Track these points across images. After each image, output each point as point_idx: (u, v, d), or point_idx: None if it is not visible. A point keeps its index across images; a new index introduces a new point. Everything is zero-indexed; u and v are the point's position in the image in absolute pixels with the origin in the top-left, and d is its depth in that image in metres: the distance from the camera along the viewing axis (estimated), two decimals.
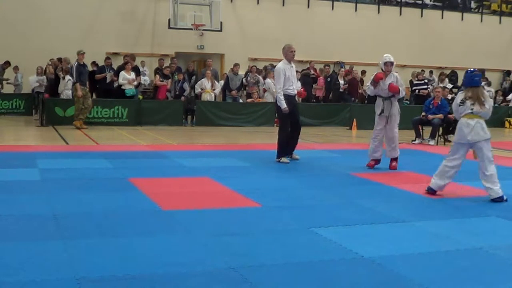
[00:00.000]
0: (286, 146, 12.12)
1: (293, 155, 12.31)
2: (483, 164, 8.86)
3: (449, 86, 24.86)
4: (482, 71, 27.43)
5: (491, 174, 8.79)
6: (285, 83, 11.84)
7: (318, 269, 5.37)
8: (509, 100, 26.32)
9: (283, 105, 11.78)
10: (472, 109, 8.71)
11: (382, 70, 11.37)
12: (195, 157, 12.50)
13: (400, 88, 11.34)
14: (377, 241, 6.40)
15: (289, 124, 12.15)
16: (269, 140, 13.90)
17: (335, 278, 5.17)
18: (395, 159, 11.70)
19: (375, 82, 11.34)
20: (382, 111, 11.45)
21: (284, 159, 11.96)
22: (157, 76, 20.90)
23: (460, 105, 8.85)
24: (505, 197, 8.74)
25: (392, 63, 11.36)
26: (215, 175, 10.20)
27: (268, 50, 23.10)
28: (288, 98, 11.91)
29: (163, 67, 21.27)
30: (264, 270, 5.26)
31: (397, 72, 11.60)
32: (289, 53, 11.99)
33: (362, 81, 24.07)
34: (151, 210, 7.57)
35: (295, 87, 12.23)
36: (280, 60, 12.14)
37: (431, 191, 9.06)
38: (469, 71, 8.96)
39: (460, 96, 8.98)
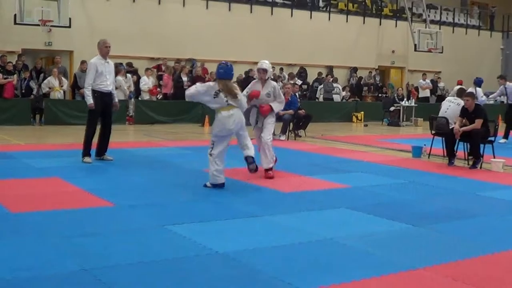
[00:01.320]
0: (91, 145, 11.63)
1: (105, 156, 11.83)
2: (243, 149, 9.36)
3: (299, 82, 25.47)
4: (330, 68, 28.36)
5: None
6: (96, 79, 11.42)
7: (173, 267, 5.35)
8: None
9: (89, 100, 11.42)
10: (227, 101, 9.07)
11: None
12: (44, 157, 12.12)
13: (276, 104, 10.65)
14: (232, 236, 6.46)
15: (97, 121, 11.74)
16: (120, 138, 13.67)
17: (190, 275, 5.16)
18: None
19: (249, 99, 10.44)
20: (257, 122, 10.81)
21: (87, 159, 11.50)
22: (0, 74, 20.01)
23: (214, 97, 9.09)
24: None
25: (265, 70, 10.53)
26: (65, 175, 9.93)
27: (119, 47, 22.63)
28: (100, 95, 11.50)
29: (6, 63, 20.43)
30: (118, 270, 5.18)
31: (276, 81, 11.11)
32: (103, 48, 11.57)
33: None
34: None
35: (110, 83, 11.67)
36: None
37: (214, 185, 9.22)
38: (220, 64, 9.38)
39: (214, 87, 9.18)
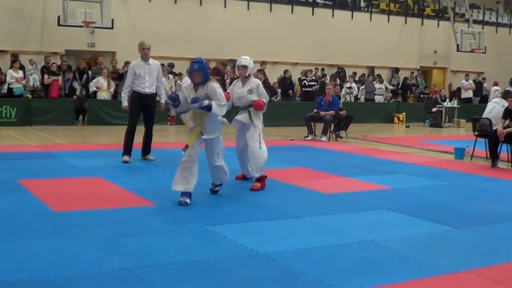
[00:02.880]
0: (128, 144, 11.64)
1: (148, 156, 11.91)
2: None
3: (354, 86, 25.47)
4: (372, 68, 28.20)
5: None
6: (135, 81, 11.49)
7: (213, 267, 5.37)
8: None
9: (123, 103, 11.63)
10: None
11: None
12: (87, 157, 12.27)
13: (265, 100, 9.44)
14: (272, 237, 6.46)
15: (135, 121, 11.75)
16: (162, 139, 13.70)
17: (231, 275, 5.18)
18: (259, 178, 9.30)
19: None
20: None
21: (124, 158, 11.56)
22: (45, 75, 20.28)
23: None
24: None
25: (244, 67, 9.41)
26: (108, 175, 10.04)
27: (161, 48, 22.81)
28: (138, 96, 11.55)
29: (50, 64, 20.70)
30: (159, 270, 5.22)
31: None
32: (141, 50, 11.62)
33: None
34: (42, 212, 7.36)
35: (150, 85, 11.58)
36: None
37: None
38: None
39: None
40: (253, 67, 9.66)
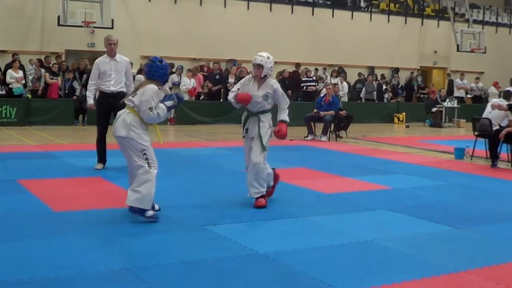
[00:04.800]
0: (99, 149, 10.85)
1: None
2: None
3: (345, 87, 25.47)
4: (372, 68, 28.17)
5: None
6: (100, 79, 10.62)
7: (213, 267, 5.37)
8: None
9: (89, 101, 10.89)
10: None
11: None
12: (87, 156, 12.20)
13: (281, 114, 8.07)
14: (272, 237, 6.46)
15: (104, 123, 10.77)
16: (163, 138, 13.56)
17: (231, 275, 5.18)
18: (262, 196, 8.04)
19: (237, 102, 8.16)
20: (247, 130, 8.27)
21: (97, 166, 10.75)
22: (46, 74, 20.28)
23: None
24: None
25: (260, 66, 7.88)
26: (107, 174, 10.05)
27: (161, 47, 22.88)
28: (104, 96, 10.66)
29: (51, 64, 20.70)
30: (159, 270, 5.22)
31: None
32: (107, 46, 10.72)
33: None
34: (42, 212, 7.37)
35: (116, 83, 10.59)
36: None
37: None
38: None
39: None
40: (272, 66, 8.06)
